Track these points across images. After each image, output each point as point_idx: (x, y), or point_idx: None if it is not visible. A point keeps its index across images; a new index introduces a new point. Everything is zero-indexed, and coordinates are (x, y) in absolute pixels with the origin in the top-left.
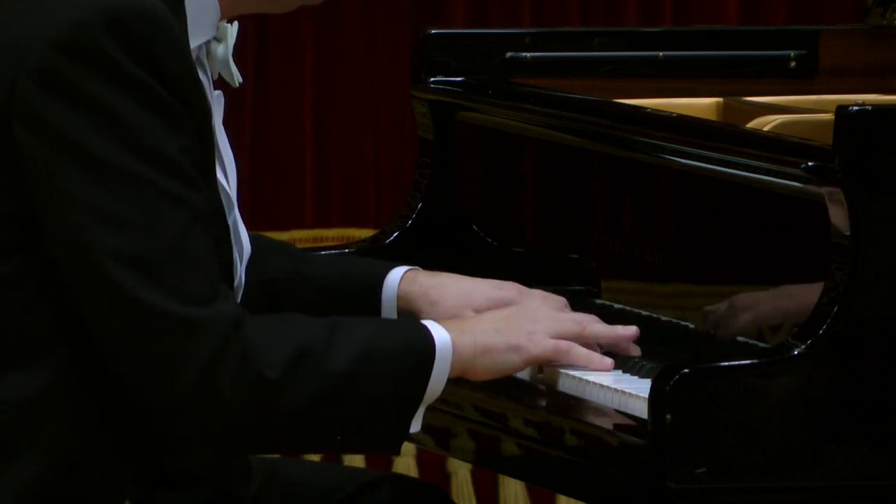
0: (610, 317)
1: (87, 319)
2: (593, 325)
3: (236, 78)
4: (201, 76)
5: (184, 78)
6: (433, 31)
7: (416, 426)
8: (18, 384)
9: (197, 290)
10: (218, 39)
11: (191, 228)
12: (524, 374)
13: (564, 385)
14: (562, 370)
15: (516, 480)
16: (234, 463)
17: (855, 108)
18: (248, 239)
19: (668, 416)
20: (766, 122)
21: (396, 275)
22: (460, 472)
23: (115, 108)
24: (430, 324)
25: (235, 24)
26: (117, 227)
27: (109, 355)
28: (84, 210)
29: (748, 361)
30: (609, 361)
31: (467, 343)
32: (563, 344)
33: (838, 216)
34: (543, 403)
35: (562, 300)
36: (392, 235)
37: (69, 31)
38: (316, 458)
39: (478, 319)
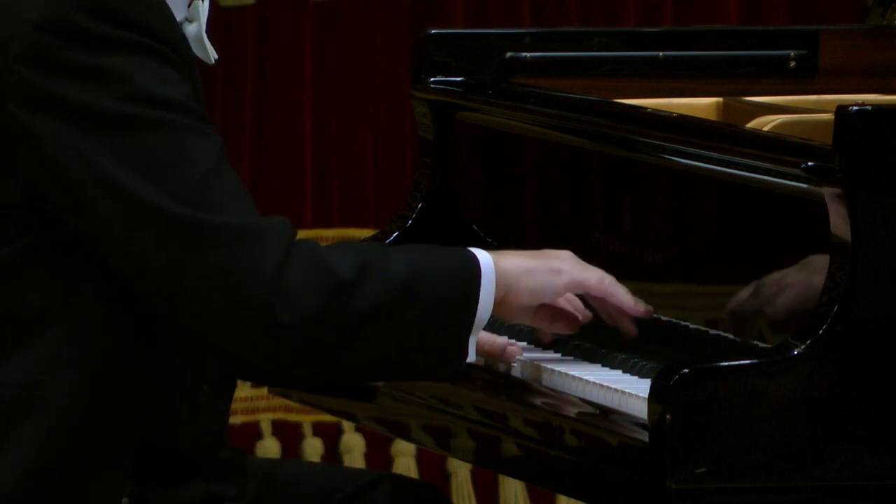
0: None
1: (129, 272)
2: (615, 285)
3: (211, 55)
4: None
5: (174, 39)
6: (433, 31)
7: (472, 353)
8: (18, 364)
9: (247, 205)
10: (189, 20)
11: (223, 157)
12: (518, 373)
13: (564, 385)
14: (562, 370)
15: (516, 480)
16: (226, 451)
17: (855, 108)
18: None
19: (668, 416)
20: (766, 122)
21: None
22: (460, 472)
23: (113, 68)
24: (471, 248)
25: (207, 1)
26: (153, 171)
27: (167, 294)
28: (116, 167)
29: (748, 361)
30: (643, 308)
31: (509, 264)
32: (608, 278)
33: (838, 216)
34: (543, 403)
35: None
36: (392, 235)
37: (47, 12)
38: (316, 458)
39: (516, 252)
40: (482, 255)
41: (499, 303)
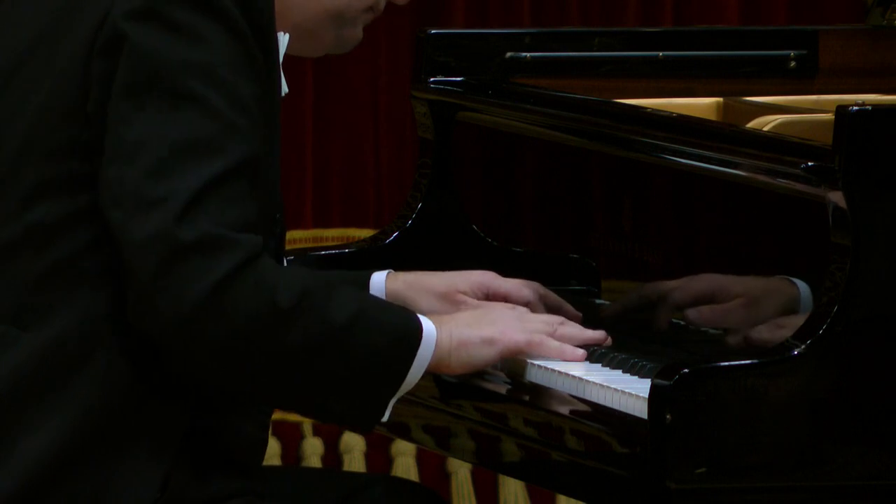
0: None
1: (113, 228)
2: (563, 328)
3: (283, 88)
4: None
5: (269, 32)
6: (433, 31)
7: (387, 413)
8: (76, 319)
9: (232, 217)
10: None
11: (244, 163)
12: (498, 371)
13: (565, 385)
14: (562, 370)
15: (516, 480)
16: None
17: (855, 108)
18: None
19: (668, 416)
20: (766, 122)
21: (380, 275)
22: (460, 472)
23: (208, 37)
24: (419, 315)
25: (287, 35)
26: (177, 147)
27: (130, 263)
28: (152, 130)
29: (748, 361)
30: (581, 353)
31: (444, 335)
32: (536, 336)
33: (838, 216)
34: (543, 403)
35: (536, 284)
36: (392, 235)
37: None
38: (316, 458)
39: (450, 316)
40: (426, 324)
41: (429, 370)
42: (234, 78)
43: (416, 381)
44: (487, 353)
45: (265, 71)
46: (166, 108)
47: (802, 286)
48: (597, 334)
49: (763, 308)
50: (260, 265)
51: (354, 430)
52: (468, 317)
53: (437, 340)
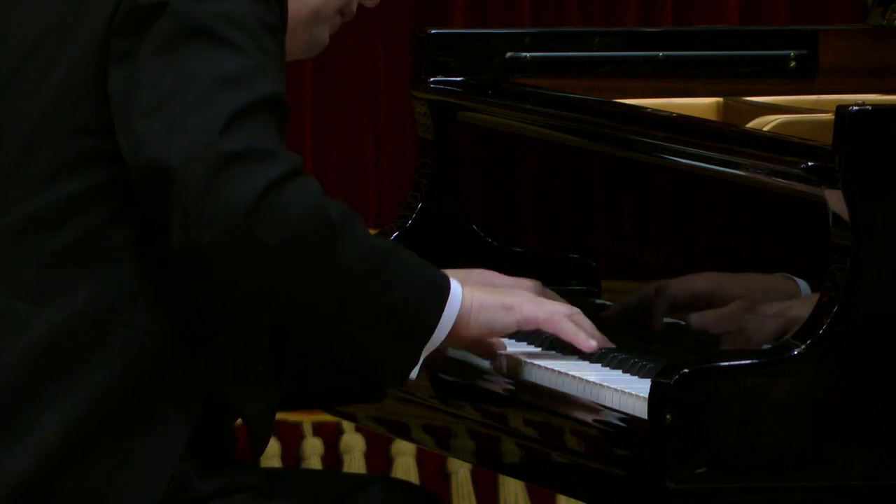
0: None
1: (151, 161)
2: (579, 317)
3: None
4: None
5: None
6: (433, 31)
7: (416, 371)
8: (97, 296)
9: (272, 137)
10: None
11: (277, 98)
12: (498, 371)
13: (565, 385)
14: (562, 370)
15: (516, 480)
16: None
17: (855, 108)
18: None
19: (668, 416)
20: (766, 122)
21: None
22: (460, 472)
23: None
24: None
25: None
26: (214, 81)
27: (175, 179)
28: (188, 73)
29: (748, 361)
30: (594, 343)
31: (467, 294)
32: (555, 315)
33: (838, 216)
34: (543, 403)
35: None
36: (392, 235)
37: None
38: (316, 458)
39: (473, 282)
40: (452, 280)
41: (451, 330)
42: (265, 36)
43: (443, 337)
44: (506, 319)
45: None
46: (202, 52)
47: (802, 283)
48: (593, 343)
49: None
50: (309, 179)
51: (389, 378)
52: (487, 287)
53: (462, 296)
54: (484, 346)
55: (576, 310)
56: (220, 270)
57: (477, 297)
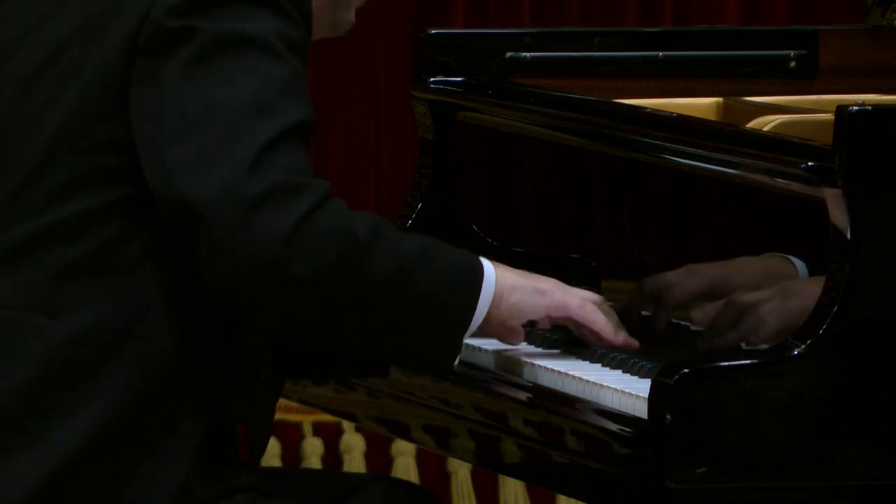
0: None
1: (180, 195)
2: (605, 306)
3: None
4: None
5: (310, 18)
6: (433, 31)
7: (457, 359)
8: (111, 309)
9: (300, 166)
10: None
11: (304, 125)
12: (498, 370)
13: (565, 385)
14: (562, 370)
15: (516, 480)
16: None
17: (855, 108)
18: None
19: (668, 416)
20: (766, 122)
21: None
22: (460, 472)
23: (259, 18)
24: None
25: None
26: (243, 109)
27: (205, 220)
28: (217, 99)
29: (748, 361)
30: (622, 337)
31: (500, 275)
32: (589, 305)
33: (838, 216)
34: (543, 403)
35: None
36: None
37: None
38: (316, 458)
39: (503, 266)
40: (485, 262)
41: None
42: (288, 55)
43: (481, 320)
44: (538, 302)
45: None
46: (230, 77)
47: (799, 263)
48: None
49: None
50: (336, 202)
51: (434, 368)
52: (524, 271)
53: (495, 278)
54: (510, 330)
55: (601, 298)
56: (253, 307)
57: (510, 279)
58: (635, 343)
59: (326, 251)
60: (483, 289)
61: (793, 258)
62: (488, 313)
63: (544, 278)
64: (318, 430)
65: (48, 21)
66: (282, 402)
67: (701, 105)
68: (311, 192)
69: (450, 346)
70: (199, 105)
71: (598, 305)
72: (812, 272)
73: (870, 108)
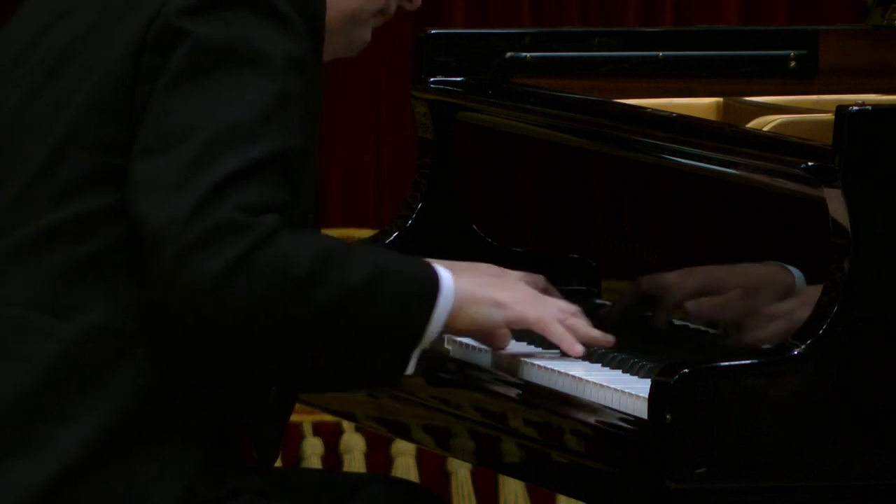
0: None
1: (137, 212)
2: (573, 319)
3: None
4: None
5: (321, 36)
6: (433, 31)
7: (412, 366)
8: (115, 310)
9: (254, 202)
10: None
11: (279, 155)
12: (498, 370)
13: (565, 385)
14: (562, 370)
15: (516, 480)
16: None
17: (855, 108)
18: None
19: (668, 416)
20: (766, 122)
21: None
22: (460, 472)
23: (262, 33)
24: (432, 261)
25: None
26: (216, 135)
27: (150, 247)
28: (194, 119)
29: (748, 361)
30: (579, 349)
31: (460, 286)
32: (546, 317)
33: (838, 216)
34: (543, 403)
35: (541, 278)
36: (392, 235)
37: None
38: (316, 458)
39: (470, 269)
40: (443, 272)
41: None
42: (283, 73)
43: (437, 332)
44: (494, 316)
45: (315, 72)
46: (214, 91)
47: (797, 273)
48: (605, 337)
49: (761, 296)
50: (275, 241)
51: (382, 386)
52: (486, 277)
53: (454, 290)
54: (482, 336)
55: (574, 308)
56: (196, 339)
57: (470, 290)
58: (610, 341)
59: (255, 292)
60: (438, 304)
61: (791, 268)
62: (446, 327)
63: (513, 287)
64: (318, 429)
65: (63, 21)
66: None
67: (701, 105)
68: (252, 232)
69: (397, 367)
70: (177, 122)
71: (572, 315)
72: (810, 281)
73: (870, 108)
